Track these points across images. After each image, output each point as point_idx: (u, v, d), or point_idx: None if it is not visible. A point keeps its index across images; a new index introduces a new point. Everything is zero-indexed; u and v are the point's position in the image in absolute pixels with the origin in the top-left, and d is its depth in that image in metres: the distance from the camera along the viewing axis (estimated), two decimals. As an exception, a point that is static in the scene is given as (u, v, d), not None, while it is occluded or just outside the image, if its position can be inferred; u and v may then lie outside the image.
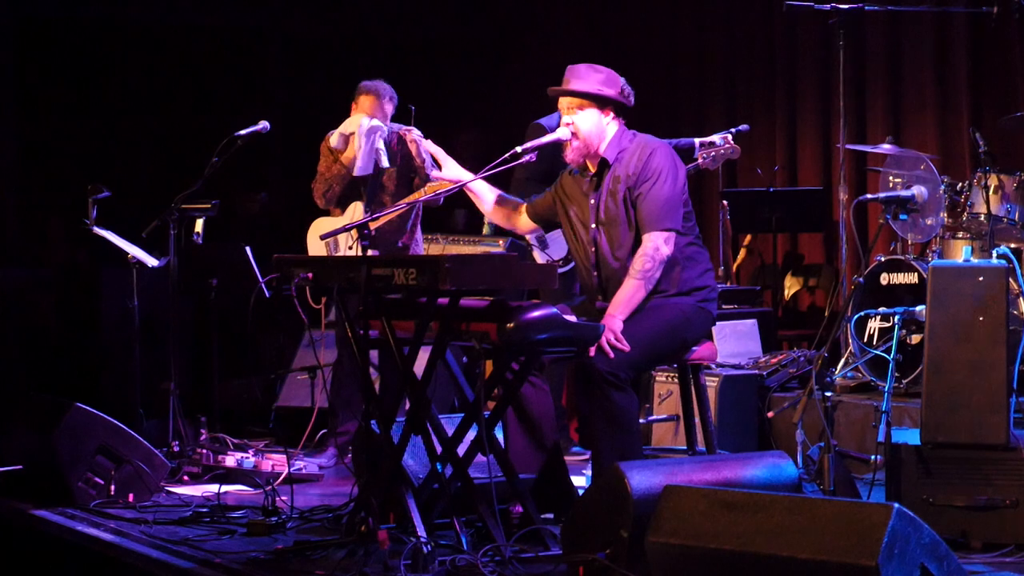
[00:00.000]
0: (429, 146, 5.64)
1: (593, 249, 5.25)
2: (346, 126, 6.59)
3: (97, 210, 6.70)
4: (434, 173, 5.77)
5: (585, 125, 5.20)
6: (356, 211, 6.60)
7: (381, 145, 6.51)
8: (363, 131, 6.50)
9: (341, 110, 6.73)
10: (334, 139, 6.60)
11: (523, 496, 4.79)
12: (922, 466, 4.86)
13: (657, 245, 5.07)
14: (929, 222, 6.69)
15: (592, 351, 4.82)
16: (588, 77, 5.21)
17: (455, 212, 9.09)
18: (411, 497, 4.73)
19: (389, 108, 6.65)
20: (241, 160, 6.77)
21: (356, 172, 6.54)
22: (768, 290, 8.94)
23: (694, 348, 5.21)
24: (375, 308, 4.77)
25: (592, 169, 5.28)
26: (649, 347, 5.00)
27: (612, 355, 4.84)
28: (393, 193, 6.61)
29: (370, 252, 6.41)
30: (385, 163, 6.52)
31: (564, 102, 5.28)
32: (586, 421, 5.10)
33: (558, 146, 5.32)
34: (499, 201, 5.61)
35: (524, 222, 5.58)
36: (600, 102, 5.19)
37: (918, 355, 6.00)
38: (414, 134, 6.71)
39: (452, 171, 5.56)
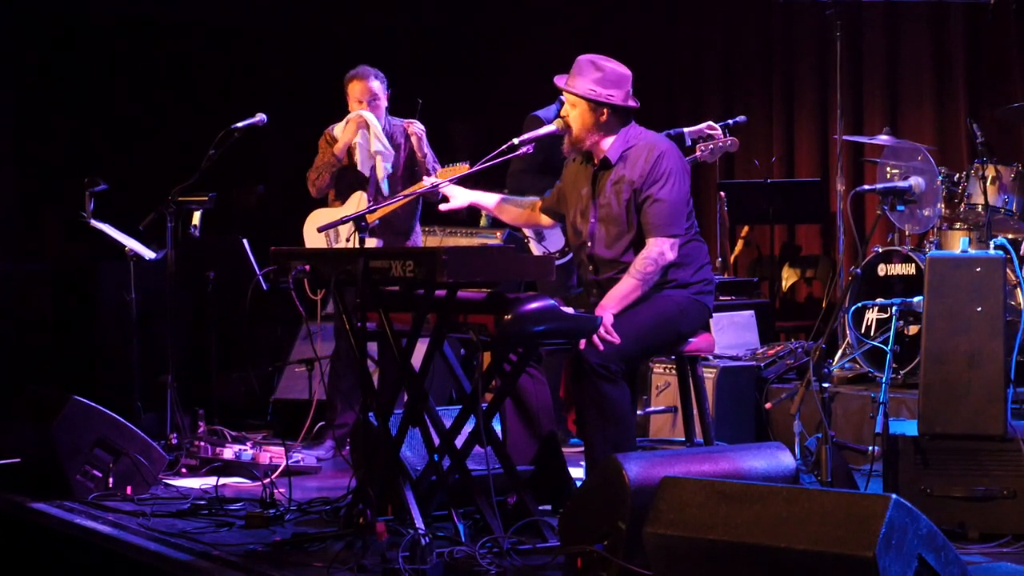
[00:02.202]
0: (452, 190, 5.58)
1: (590, 243, 5.25)
2: (348, 131, 6.59)
3: (94, 203, 6.70)
4: (437, 183, 5.79)
5: (575, 121, 5.20)
6: (360, 201, 6.61)
7: (380, 146, 6.55)
8: (368, 148, 6.55)
9: (338, 102, 6.73)
10: (339, 147, 6.60)
11: (521, 488, 4.79)
12: (920, 457, 4.86)
13: (662, 251, 5.07)
14: (926, 213, 6.69)
15: (583, 343, 4.83)
16: (586, 74, 5.17)
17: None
18: (409, 489, 4.74)
19: (376, 84, 6.64)
20: (238, 152, 6.77)
21: (362, 168, 6.59)
22: (765, 281, 8.95)
23: (690, 340, 5.21)
24: (373, 300, 4.76)
25: (595, 163, 5.28)
26: (642, 339, 5.00)
27: (602, 347, 4.84)
28: (404, 184, 6.61)
29: (376, 241, 6.43)
30: (386, 168, 6.56)
31: (564, 93, 5.28)
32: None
33: (555, 138, 5.31)
34: (515, 207, 5.63)
35: (545, 219, 5.60)
36: (591, 102, 5.18)
37: (915, 346, 6.00)
38: (415, 128, 6.71)
39: (463, 197, 5.54)
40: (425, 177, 6.19)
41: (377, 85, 6.64)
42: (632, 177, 5.15)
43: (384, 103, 6.68)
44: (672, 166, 5.14)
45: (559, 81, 5.26)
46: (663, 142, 5.23)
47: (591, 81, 5.16)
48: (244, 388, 7.88)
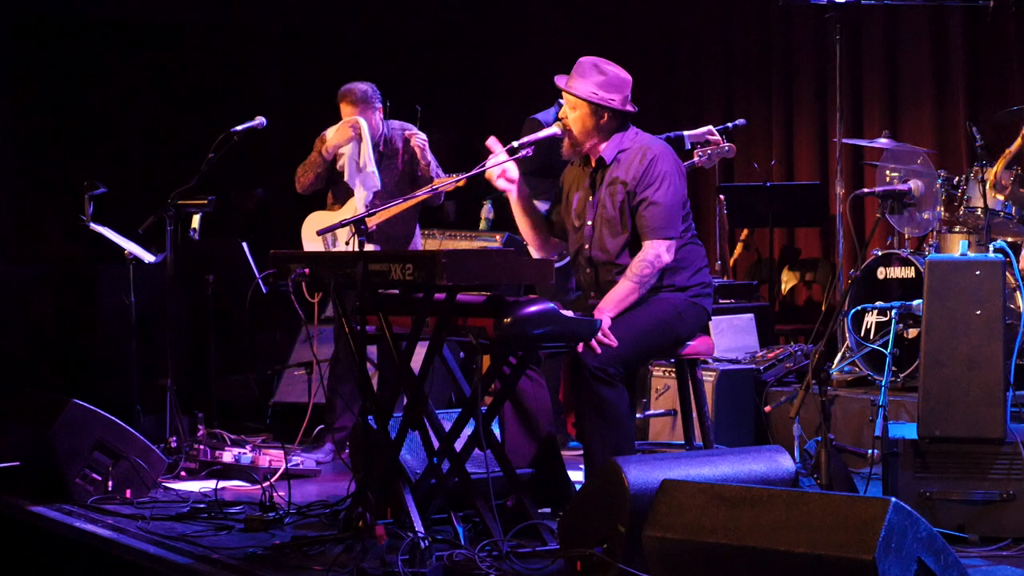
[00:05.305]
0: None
1: (587, 246, 5.26)
2: (339, 135, 6.60)
3: (93, 206, 6.70)
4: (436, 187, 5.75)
5: (576, 124, 5.21)
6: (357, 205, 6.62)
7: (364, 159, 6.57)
8: (356, 161, 6.57)
9: (337, 106, 6.73)
10: (328, 148, 6.61)
11: (520, 491, 4.79)
12: (919, 460, 4.86)
13: (659, 253, 5.07)
14: (926, 216, 6.69)
15: (580, 347, 4.83)
16: (588, 77, 5.18)
17: (445, 205, 9.09)
18: (408, 492, 4.74)
19: (366, 107, 6.65)
20: (237, 156, 6.77)
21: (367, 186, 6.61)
22: (765, 285, 8.95)
23: (689, 343, 5.21)
24: (372, 303, 4.76)
25: (592, 165, 5.29)
26: (639, 342, 5.00)
27: (599, 351, 4.84)
28: (401, 190, 6.61)
29: (372, 246, 6.44)
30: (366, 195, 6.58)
31: (564, 95, 5.28)
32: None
33: (554, 141, 5.31)
34: (540, 227, 5.53)
35: (557, 243, 5.54)
36: (593, 105, 5.18)
37: (915, 349, 6.00)
38: (418, 139, 6.71)
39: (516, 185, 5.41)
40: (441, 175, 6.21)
41: (366, 107, 6.63)
42: (626, 179, 5.16)
43: (378, 116, 6.69)
44: (666, 169, 5.14)
45: (560, 81, 5.26)
46: (657, 145, 5.23)
47: (593, 84, 5.17)
48: (243, 391, 7.88)
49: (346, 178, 6.62)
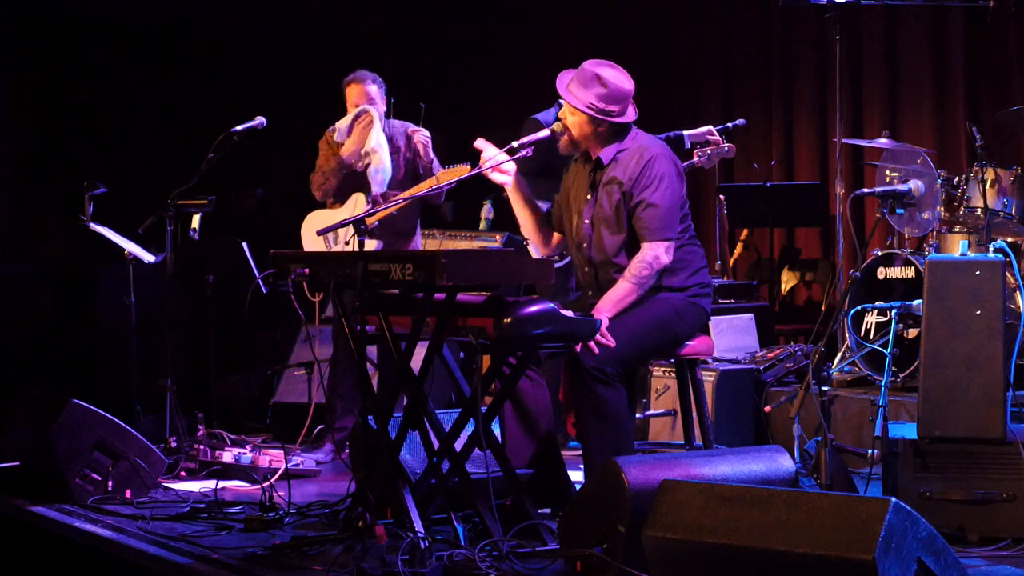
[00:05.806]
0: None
1: (586, 244, 5.26)
2: (358, 136, 6.60)
3: (93, 206, 6.70)
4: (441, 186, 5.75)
5: (574, 128, 5.22)
6: (357, 204, 6.61)
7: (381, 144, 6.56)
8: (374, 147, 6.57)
9: (337, 105, 6.73)
10: (350, 151, 6.61)
11: (520, 491, 4.79)
12: (919, 460, 4.86)
13: (657, 255, 5.08)
14: (926, 216, 6.69)
15: (578, 346, 4.83)
16: (589, 87, 5.14)
17: (444, 205, 9.09)
18: (408, 492, 4.73)
19: (373, 88, 6.66)
20: (237, 156, 6.77)
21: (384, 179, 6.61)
22: (765, 284, 8.95)
23: (687, 343, 5.21)
24: (372, 303, 4.76)
25: (592, 163, 5.29)
26: (638, 342, 5.00)
27: (596, 351, 4.84)
28: (403, 188, 6.61)
29: (376, 243, 6.45)
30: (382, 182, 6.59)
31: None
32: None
33: (554, 141, 5.31)
34: (544, 226, 5.54)
35: (561, 241, 5.52)
36: (590, 116, 5.18)
37: (915, 349, 6.00)
38: (422, 136, 6.71)
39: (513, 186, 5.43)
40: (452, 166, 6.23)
41: (374, 89, 6.65)
42: (622, 179, 5.16)
43: (382, 107, 6.69)
44: (664, 170, 5.14)
45: (561, 85, 5.25)
46: (656, 146, 5.23)
47: (593, 96, 5.15)
48: (243, 391, 7.88)
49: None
